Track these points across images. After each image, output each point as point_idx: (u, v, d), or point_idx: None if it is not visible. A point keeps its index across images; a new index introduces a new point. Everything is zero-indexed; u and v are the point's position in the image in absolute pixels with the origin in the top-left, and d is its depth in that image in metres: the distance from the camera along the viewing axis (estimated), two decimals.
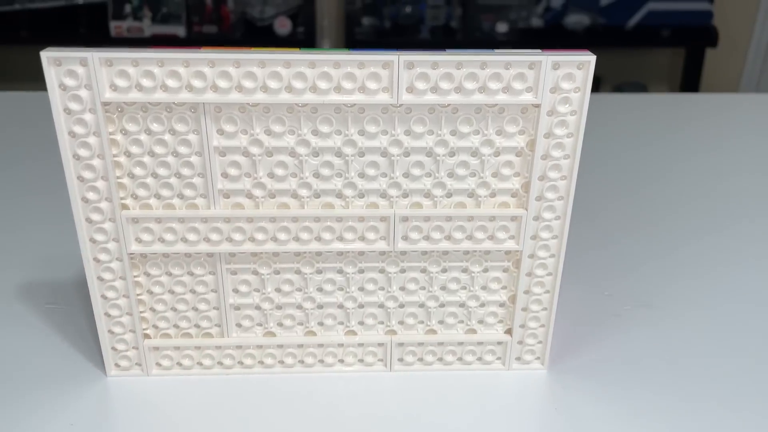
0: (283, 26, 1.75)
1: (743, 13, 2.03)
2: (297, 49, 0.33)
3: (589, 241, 0.57)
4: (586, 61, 0.33)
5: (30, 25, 1.78)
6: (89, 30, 1.77)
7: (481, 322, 0.41)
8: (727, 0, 2.00)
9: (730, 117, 0.93)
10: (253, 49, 0.33)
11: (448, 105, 0.35)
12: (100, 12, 1.76)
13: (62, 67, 0.32)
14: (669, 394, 0.40)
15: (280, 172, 0.36)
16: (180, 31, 1.73)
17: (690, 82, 1.97)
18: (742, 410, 0.39)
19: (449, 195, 0.37)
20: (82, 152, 0.34)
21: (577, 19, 1.86)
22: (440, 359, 0.41)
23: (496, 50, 0.33)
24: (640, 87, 2.03)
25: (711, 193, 0.67)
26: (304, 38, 1.77)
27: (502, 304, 0.40)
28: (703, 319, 0.47)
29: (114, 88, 0.33)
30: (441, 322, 0.41)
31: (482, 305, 0.40)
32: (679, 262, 0.54)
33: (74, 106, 0.33)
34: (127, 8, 1.75)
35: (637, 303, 0.48)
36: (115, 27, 1.73)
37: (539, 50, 0.34)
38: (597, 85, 1.99)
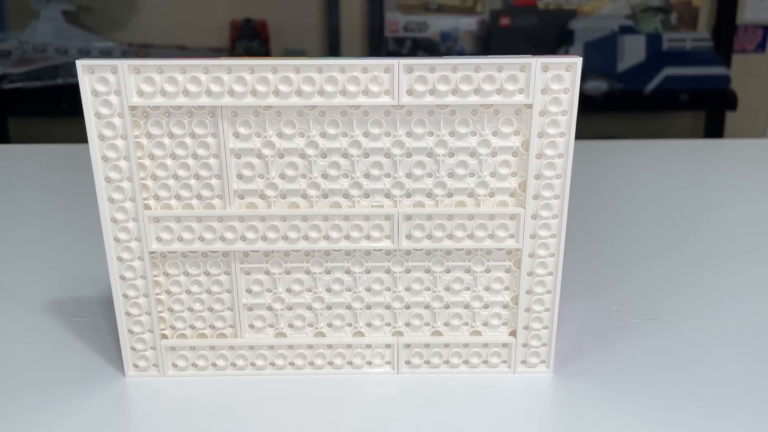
0: None
1: (761, 77, 2.06)
2: (306, 57, 0.36)
3: (596, 260, 0.58)
4: (573, 62, 0.36)
5: (71, 98, 1.88)
6: None
7: (485, 324, 0.42)
8: (744, 65, 2.04)
9: (748, 162, 0.94)
10: (266, 58, 0.36)
11: (446, 107, 0.37)
12: None
13: (95, 74, 0.36)
14: (676, 399, 0.40)
15: (290, 172, 0.38)
16: None
17: None
18: (749, 416, 0.39)
19: (450, 194, 0.39)
20: (110, 154, 0.37)
21: (595, 85, 1.91)
22: (446, 362, 0.42)
23: (489, 55, 0.36)
24: None
25: (719, 217, 0.68)
26: None
27: (505, 306, 0.41)
28: (711, 330, 0.47)
29: (141, 93, 0.36)
30: (446, 323, 0.42)
31: (486, 306, 0.41)
32: (686, 279, 0.55)
33: (104, 110, 0.37)
34: None
35: (645, 316, 0.49)
36: None
37: (530, 55, 0.36)
38: None
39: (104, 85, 0.36)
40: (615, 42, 1.91)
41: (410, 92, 0.37)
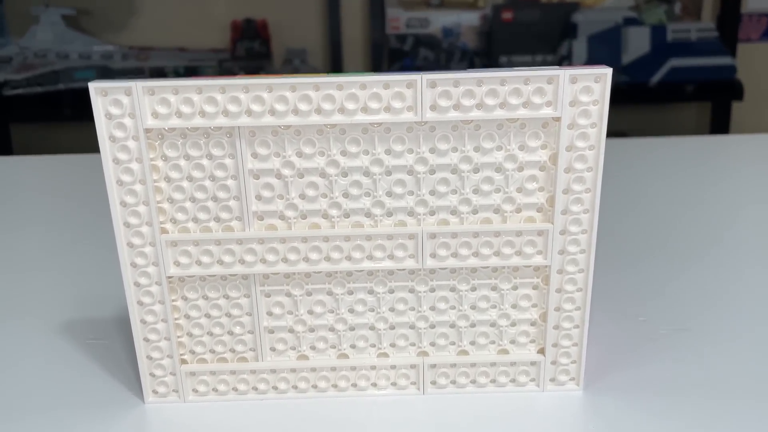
0: None
1: (767, 65, 2.04)
2: (325, 74, 0.35)
3: (620, 270, 0.57)
4: (603, 73, 0.35)
5: (72, 103, 1.86)
6: None
7: (513, 342, 0.41)
8: (750, 54, 2.02)
9: (759, 156, 0.93)
10: (284, 75, 0.35)
11: (471, 122, 0.36)
12: None
13: (108, 96, 0.35)
14: (710, 415, 0.39)
15: (311, 192, 0.37)
16: None
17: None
18: None
19: (475, 211, 0.38)
20: (125, 178, 0.36)
21: None
22: (473, 381, 0.41)
23: (515, 68, 0.35)
24: None
25: (739, 218, 0.67)
26: None
27: (533, 323, 0.40)
28: (744, 342, 0.46)
29: (155, 115, 0.35)
30: (473, 342, 0.41)
31: (513, 324, 0.40)
32: (709, 285, 0.54)
33: (118, 133, 0.35)
34: None
35: (673, 326, 0.48)
36: None
37: (557, 66, 0.35)
38: None
39: (118, 107, 0.35)
40: (619, 34, 1.89)
41: (434, 107, 0.35)
